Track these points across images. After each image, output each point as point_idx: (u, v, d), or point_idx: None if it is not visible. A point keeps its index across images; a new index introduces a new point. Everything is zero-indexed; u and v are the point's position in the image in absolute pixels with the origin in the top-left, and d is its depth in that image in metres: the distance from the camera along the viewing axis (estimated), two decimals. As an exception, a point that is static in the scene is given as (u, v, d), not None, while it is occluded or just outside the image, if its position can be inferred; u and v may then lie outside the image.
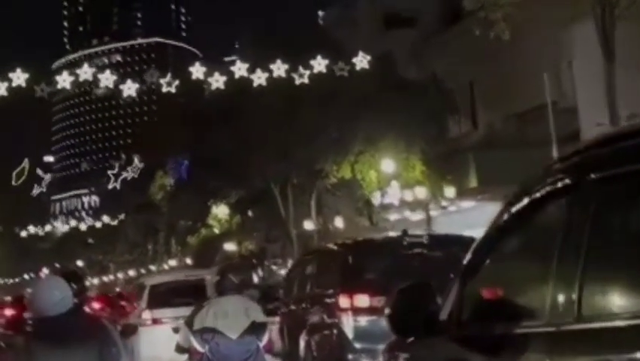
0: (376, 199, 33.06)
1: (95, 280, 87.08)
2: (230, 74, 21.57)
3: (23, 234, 68.96)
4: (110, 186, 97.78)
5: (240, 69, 21.57)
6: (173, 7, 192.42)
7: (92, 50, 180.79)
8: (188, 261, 51.42)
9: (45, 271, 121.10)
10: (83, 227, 79.02)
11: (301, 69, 22.23)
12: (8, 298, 29.29)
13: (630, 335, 1.99)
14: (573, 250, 2.25)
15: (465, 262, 3.12)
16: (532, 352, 2.40)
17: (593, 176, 2.21)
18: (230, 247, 38.45)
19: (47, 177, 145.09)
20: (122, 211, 64.93)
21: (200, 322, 6.97)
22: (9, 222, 56.91)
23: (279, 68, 21.98)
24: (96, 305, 22.19)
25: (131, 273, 68.69)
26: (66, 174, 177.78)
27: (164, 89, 22.11)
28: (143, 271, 64.38)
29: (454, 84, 32.52)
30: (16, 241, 69.02)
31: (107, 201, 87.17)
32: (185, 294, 13.82)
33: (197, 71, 21.76)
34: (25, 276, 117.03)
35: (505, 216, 2.80)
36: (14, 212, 57.71)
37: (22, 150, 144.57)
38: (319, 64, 22.30)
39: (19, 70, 20.19)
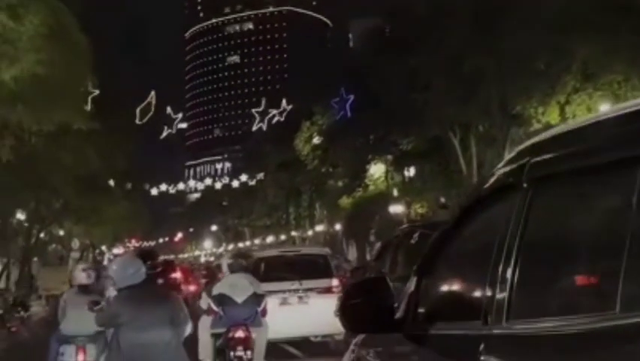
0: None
1: (230, 247, 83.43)
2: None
3: (154, 192, 64.37)
4: (255, 128, 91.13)
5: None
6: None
7: (225, 18, 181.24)
8: (338, 227, 45.44)
9: (179, 235, 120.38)
10: (218, 186, 73.99)
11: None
12: None
13: (551, 341, 1.94)
14: (507, 252, 2.23)
15: (422, 257, 3.03)
16: (471, 354, 2.27)
17: (527, 177, 2.18)
18: (396, 209, 31.87)
19: (179, 116, 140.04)
20: (261, 170, 58.91)
21: (217, 290, 9.88)
22: (137, 176, 51.35)
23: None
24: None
25: (269, 239, 63.59)
26: (199, 140, 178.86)
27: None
28: (283, 237, 58.99)
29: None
30: (147, 200, 64.49)
31: (245, 158, 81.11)
32: (288, 269, 14.33)
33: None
34: (160, 240, 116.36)
35: (459, 214, 2.79)
36: (141, 161, 52.04)
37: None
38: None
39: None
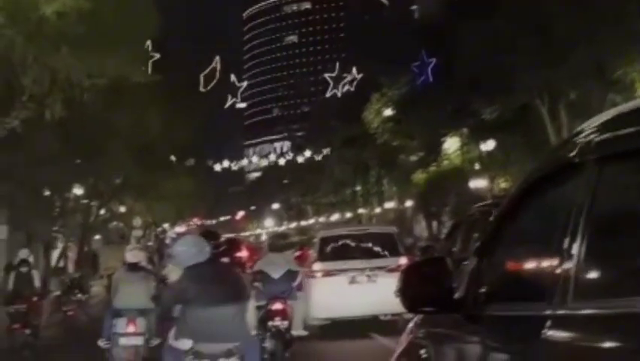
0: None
1: (293, 225, 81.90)
2: None
3: (217, 168, 62.51)
4: (329, 94, 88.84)
5: None
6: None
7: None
8: (408, 203, 43.23)
9: (240, 213, 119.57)
10: (281, 162, 72.15)
11: None
12: None
13: (618, 322, 1.89)
14: (572, 230, 2.17)
15: (482, 237, 3.08)
16: (534, 335, 2.20)
17: (593, 156, 2.14)
18: (477, 184, 29.61)
19: (244, 85, 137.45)
20: (326, 145, 56.57)
21: (256, 267, 11.19)
22: (200, 151, 49.41)
23: None
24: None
25: (334, 217, 61.71)
26: (258, 120, 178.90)
27: None
28: (348, 214, 57.08)
29: None
30: (210, 177, 62.87)
31: (305, 136, 78.85)
32: (355, 248, 14.58)
33: None
34: (222, 218, 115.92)
35: (520, 193, 2.69)
36: (204, 134, 49.94)
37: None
38: None
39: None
